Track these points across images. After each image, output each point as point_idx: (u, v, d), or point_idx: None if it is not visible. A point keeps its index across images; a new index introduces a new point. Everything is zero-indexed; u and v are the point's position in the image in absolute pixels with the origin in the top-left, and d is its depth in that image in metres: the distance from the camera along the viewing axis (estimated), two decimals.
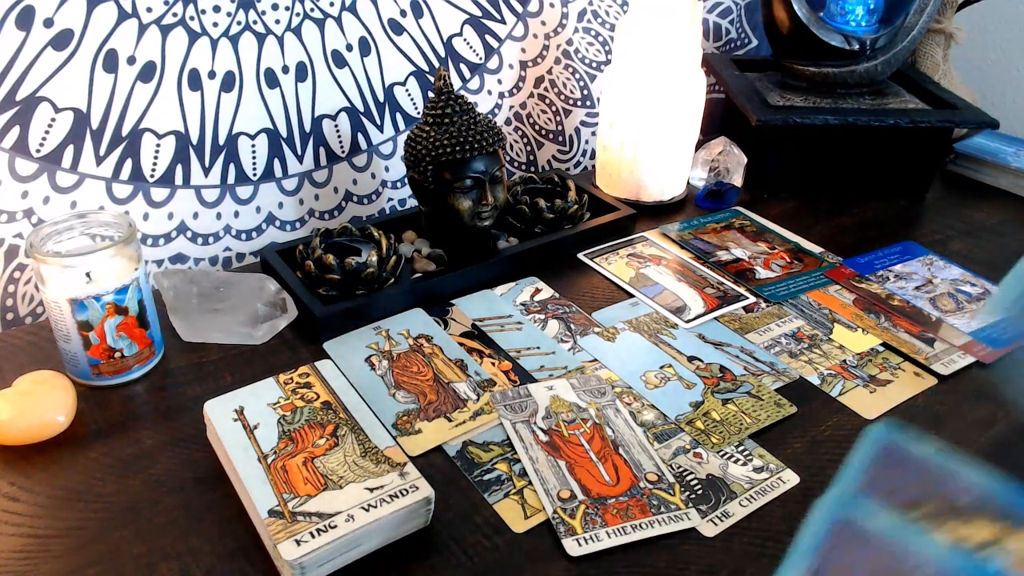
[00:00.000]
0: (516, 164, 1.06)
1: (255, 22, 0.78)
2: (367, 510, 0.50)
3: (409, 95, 0.92)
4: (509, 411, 0.63)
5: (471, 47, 0.94)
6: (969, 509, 0.27)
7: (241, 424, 0.56)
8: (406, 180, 0.93)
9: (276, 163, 0.85)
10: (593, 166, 1.08)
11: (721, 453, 0.60)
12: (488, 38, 0.95)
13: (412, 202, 0.97)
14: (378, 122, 0.91)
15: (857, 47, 0.99)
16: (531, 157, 1.06)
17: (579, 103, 1.06)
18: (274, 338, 0.71)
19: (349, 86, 0.87)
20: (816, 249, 0.89)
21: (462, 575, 0.50)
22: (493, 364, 0.68)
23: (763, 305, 0.78)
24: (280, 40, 0.80)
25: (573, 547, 0.51)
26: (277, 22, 0.80)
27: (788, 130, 0.97)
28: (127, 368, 0.64)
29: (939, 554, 0.25)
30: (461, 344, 0.71)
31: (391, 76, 0.90)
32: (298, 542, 0.47)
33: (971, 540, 0.26)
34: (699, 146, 0.97)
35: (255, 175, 0.85)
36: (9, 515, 0.53)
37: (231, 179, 0.83)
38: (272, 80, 0.82)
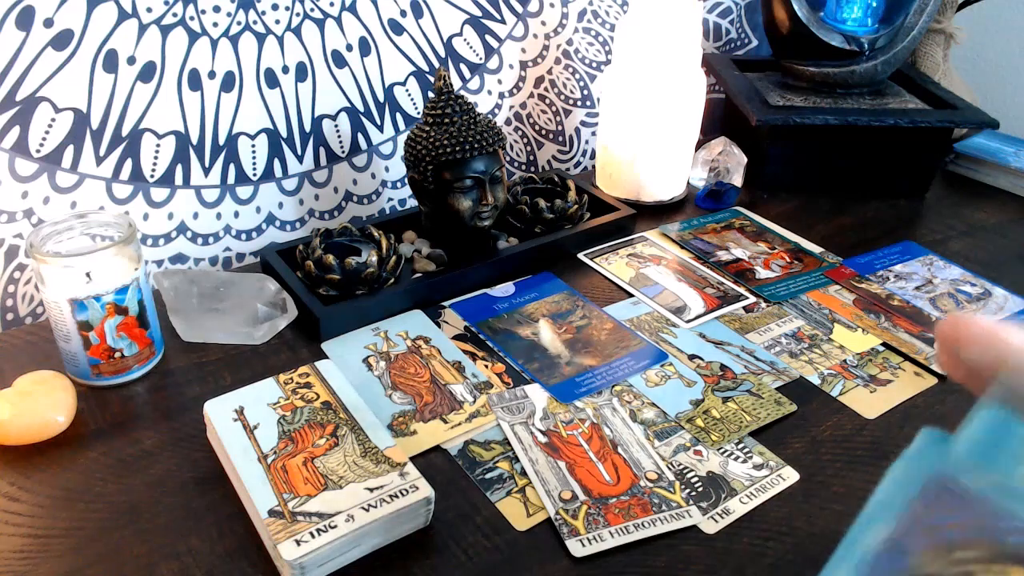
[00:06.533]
0: (516, 164, 1.06)
1: (255, 22, 0.78)
2: (367, 510, 0.50)
3: (409, 95, 0.92)
4: (507, 413, 0.63)
5: (471, 47, 0.94)
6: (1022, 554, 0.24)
7: (241, 424, 0.56)
8: (406, 180, 0.93)
9: (276, 163, 0.85)
10: (593, 166, 1.08)
11: (721, 450, 0.60)
12: (488, 38, 0.95)
13: (412, 202, 0.97)
14: (378, 122, 0.91)
15: (857, 47, 0.99)
16: (531, 157, 1.06)
17: (579, 103, 1.06)
18: (274, 338, 0.71)
19: (349, 86, 0.87)
20: (816, 249, 0.89)
21: (462, 575, 0.50)
22: (487, 366, 0.68)
23: (763, 305, 0.78)
24: (280, 40, 0.80)
25: (577, 548, 0.51)
26: (277, 22, 0.80)
27: (788, 130, 0.97)
28: (127, 368, 0.64)
29: None
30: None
31: (391, 76, 0.90)
32: (298, 542, 0.47)
33: None
34: (699, 146, 0.97)
35: (255, 175, 0.85)
36: (9, 515, 0.53)
37: (231, 179, 0.83)
38: (272, 80, 0.82)
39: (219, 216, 0.84)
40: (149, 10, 0.73)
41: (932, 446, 0.25)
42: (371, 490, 0.51)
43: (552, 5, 0.98)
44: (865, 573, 0.24)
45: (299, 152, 0.87)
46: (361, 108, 0.89)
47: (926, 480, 0.24)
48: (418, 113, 0.93)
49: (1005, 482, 0.23)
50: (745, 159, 0.95)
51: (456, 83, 0.95)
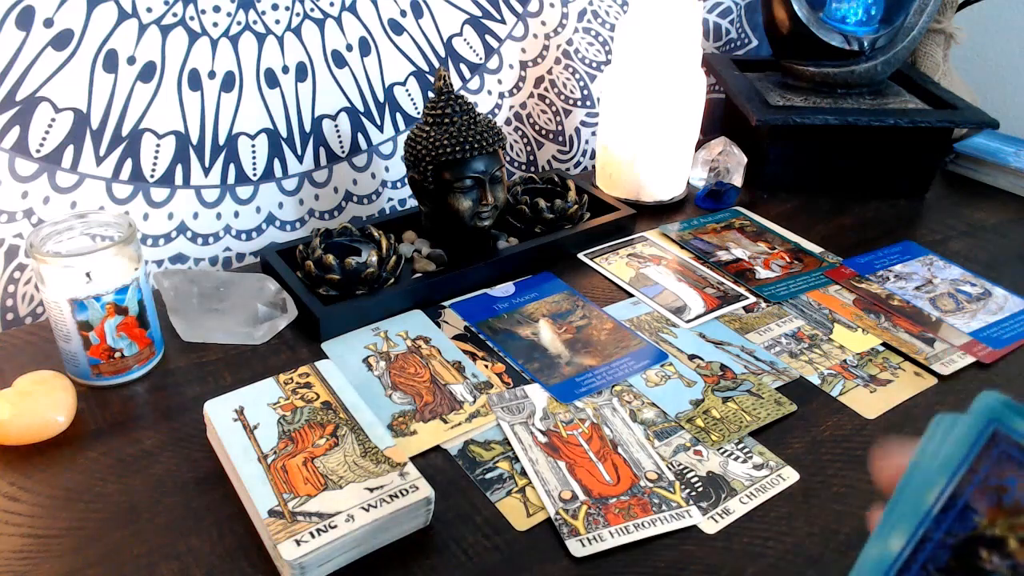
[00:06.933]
0: (516, 164, 1.06)
1: (255, 22, 0.78)
2: (367, 510, 0.50)
3: (409, 95, 0.92)
4: (507, 413, 0.63)
5: (471, 47, 0.94)
6: None
7: (241, 424, 0.56)
8: (406, 180, 0.93)
9: (276, 163, 0.85)
10: (593, 166, 1.08)
11: (721, 450, 0.60)
12: (488, 38, 0.95)
13: (412, 202, 0.97)
14: (378, 122, 0.91)
15: (857, 47, 0.99)
16: (531, 157, 1.06)
17: (579, 103, 1.06)
18: (274, 338, 0.71)
19: (349, 86, 0.87)
20: (816, 249, 0.89)
21: (462, 575, 0.50)
22: (487, 366, 0.68)
23: (763, 305, 0.78)
24: (280, 40, 0.80)
25: (577, 548, 0.51)
26: (277, 22, 0.80)
27: (788, 130, 0.97)
28: (127, 368, 0.64)
29: None
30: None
31: (391, 76, 0.90)
32: (298, 542, 0.47)
33: None
34: (699, 146, 0.97)
35: (255, 175, 0.85)
36: (9, 515, 0.53)
37: (231, 179, 0.83)
38: (272, 80, 0.82)
39: (219, 216, 0.84)
40: (149, 10, 0.73)
41: (992, 408, 0.24)
42: (371, 490, 0.51)
43: (552, 5, 0.98)
44: (927, 529, 0.24)
45: (299, 152, 0.87)
46: (361, 108, 0.89)
47: (988, 439, 0.24)
48: (418, 113, 0.93)
49: None
50: (745, 159, 0.95)
51: (456, 83, 0.95)
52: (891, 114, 0.95)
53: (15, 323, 0.77)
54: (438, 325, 0.73)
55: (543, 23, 0.99)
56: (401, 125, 0.93)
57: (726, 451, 0.60)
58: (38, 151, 0.72)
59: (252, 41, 0.79)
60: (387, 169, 0.94)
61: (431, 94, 0.85)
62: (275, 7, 0.79)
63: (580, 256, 0.85)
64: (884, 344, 0.73)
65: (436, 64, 0.92)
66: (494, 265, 0.79)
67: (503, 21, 0.95)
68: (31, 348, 0.69)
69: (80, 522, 0.52)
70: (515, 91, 1.00)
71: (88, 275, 0.60)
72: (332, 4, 0.82)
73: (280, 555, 0.47)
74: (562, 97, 1.05)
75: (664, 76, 0.89)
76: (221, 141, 0.81)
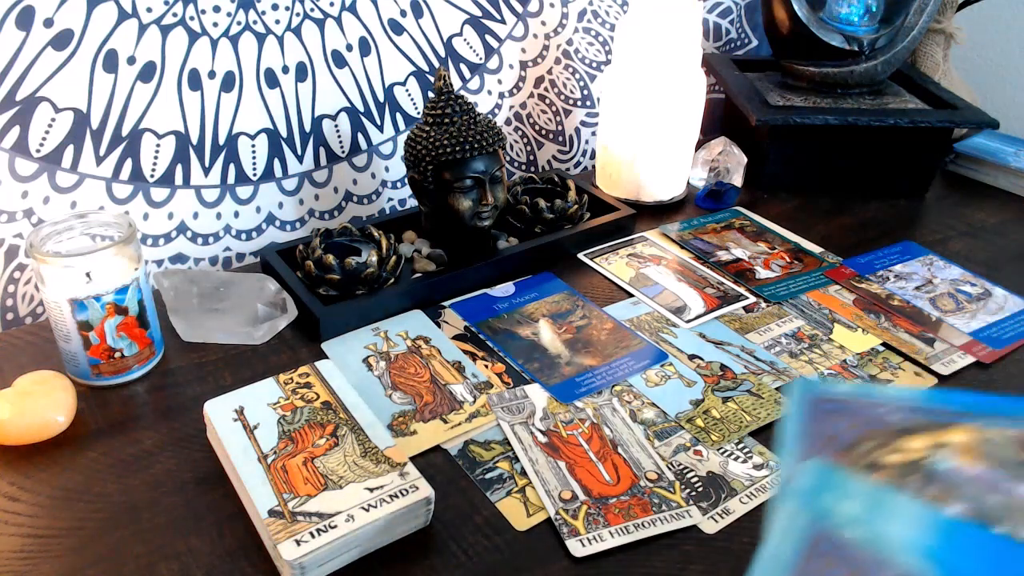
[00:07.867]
0: (516, 164, 1.06)
1: (255, 22, 0.78)
2: (367, 510, 0.50)
3: (409, 95, 0.92)
4: (507, 413, 0.63)
5: (471, 47, 0.94)
6: (904, 425, 0.27)
7: (241, 424, 0.56)
8: (406, 180, 0.93)
9: (276, 163, 0.85)
10: (593, 166, 1.08)
11: (721, 451, 0.60)
12: (488, 38, 0.95)
13: (412, 202, 0.97)
14: (378, 122, 0.91)
15: (857, 47, 0.99)
16: (531, 157, 1.06)
17: (579, 103, 1.06)
18: (274, 338, 0.71)
19: (349, 86, 0.87)
20: (816, 249, 0.89)
21: (462, 575, 0.50)
22: (487, 366, 0.68)
23: (763, 305, 0.78)
24: (280, 40, 0.80)
25: (577, 548, 0.51)
26: (277, 22, 0.80)
27: (788, 130, 0.97)
28: (127, 368, 0.64)
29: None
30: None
31: (391, 76, 0.90)
32: (298, 542, 0.47)
33: (917, 452, 0.27)
34: (699, 146, 0.97)
35: (255, 175, 0.85)
36: (9, 515, 0.53)
37: (231, 179, 0.83)
38: (272, 80, 0.82)
39: (219, 216, 0.84)
40: (149, 10, 0.73)
41: (808, 494, 0.26)
42: (371, 490, 0.51)
43: (552, 5, 0.98)
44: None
45: (299, 152, 0.87)
46: (361, 108, 0.89)
47: (810, 532, 0.26)
48: (418, 113, 0.93)
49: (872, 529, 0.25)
50: (745, 159, 0.95)
51: (456, 83, 0.95)
52: (891, 114, 0.95)
53: (15, 323, 0.77)
54: (438, 325, 0.73)
55: (543, 23, 0.99)
56: (401, 125, 0.93)
57: (726, 451, 0.60)
58: (38, 151, 0.72)
59: (252, 41, 0.79)
60: (387, 169, 0.94)
61: (431, 94, 0.85)
62: (275, 7, 0.79)
63: (580, 256, 0.85)
64: (884, 344, 0.73)
65: (436, 64, 0.92)
66: (494, 265, 0.79)
67: (503, 21, 0.95)
68: (31, 348, 0.69)
69: (80, 522, 0.52)
70: (515, 91, 1.00)
71: (88, 275, 0.60)
72: (332, 4, 0.82)
73: (280, 555, 0.47)
74: (562, 97, 1.05)
75: (664, 76, 0.89)
76: (221, 141, 0.81)
